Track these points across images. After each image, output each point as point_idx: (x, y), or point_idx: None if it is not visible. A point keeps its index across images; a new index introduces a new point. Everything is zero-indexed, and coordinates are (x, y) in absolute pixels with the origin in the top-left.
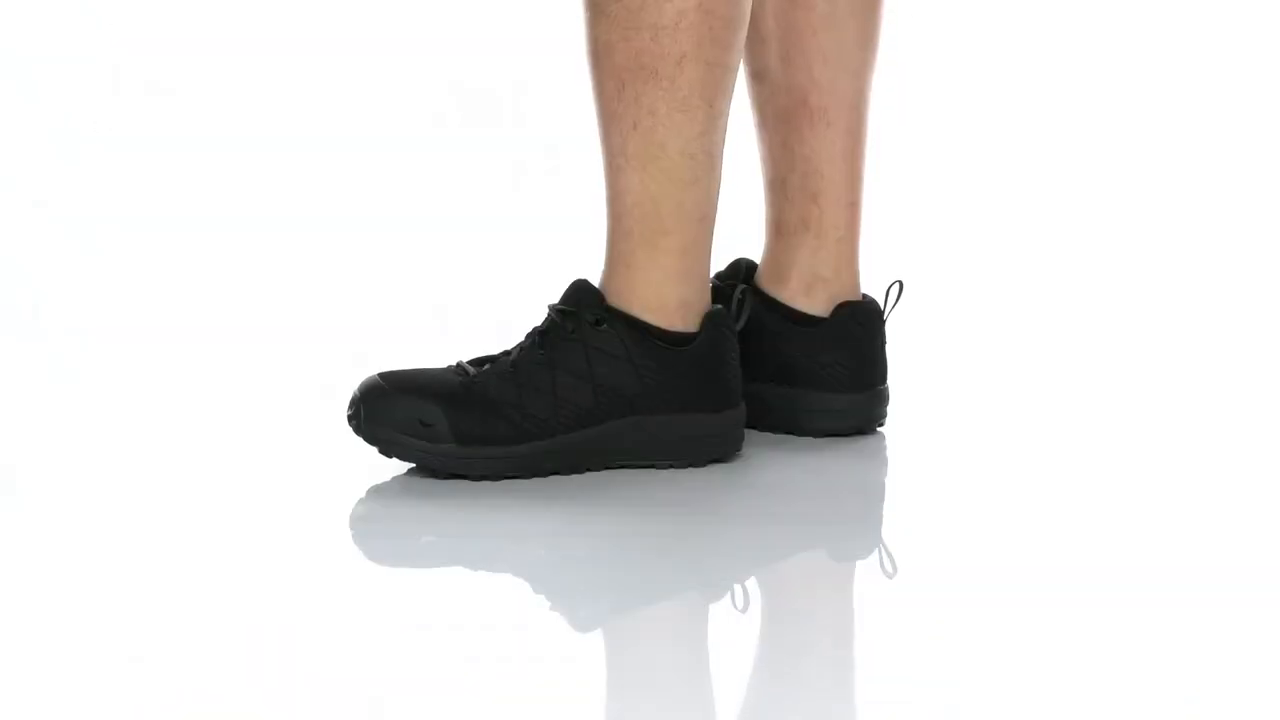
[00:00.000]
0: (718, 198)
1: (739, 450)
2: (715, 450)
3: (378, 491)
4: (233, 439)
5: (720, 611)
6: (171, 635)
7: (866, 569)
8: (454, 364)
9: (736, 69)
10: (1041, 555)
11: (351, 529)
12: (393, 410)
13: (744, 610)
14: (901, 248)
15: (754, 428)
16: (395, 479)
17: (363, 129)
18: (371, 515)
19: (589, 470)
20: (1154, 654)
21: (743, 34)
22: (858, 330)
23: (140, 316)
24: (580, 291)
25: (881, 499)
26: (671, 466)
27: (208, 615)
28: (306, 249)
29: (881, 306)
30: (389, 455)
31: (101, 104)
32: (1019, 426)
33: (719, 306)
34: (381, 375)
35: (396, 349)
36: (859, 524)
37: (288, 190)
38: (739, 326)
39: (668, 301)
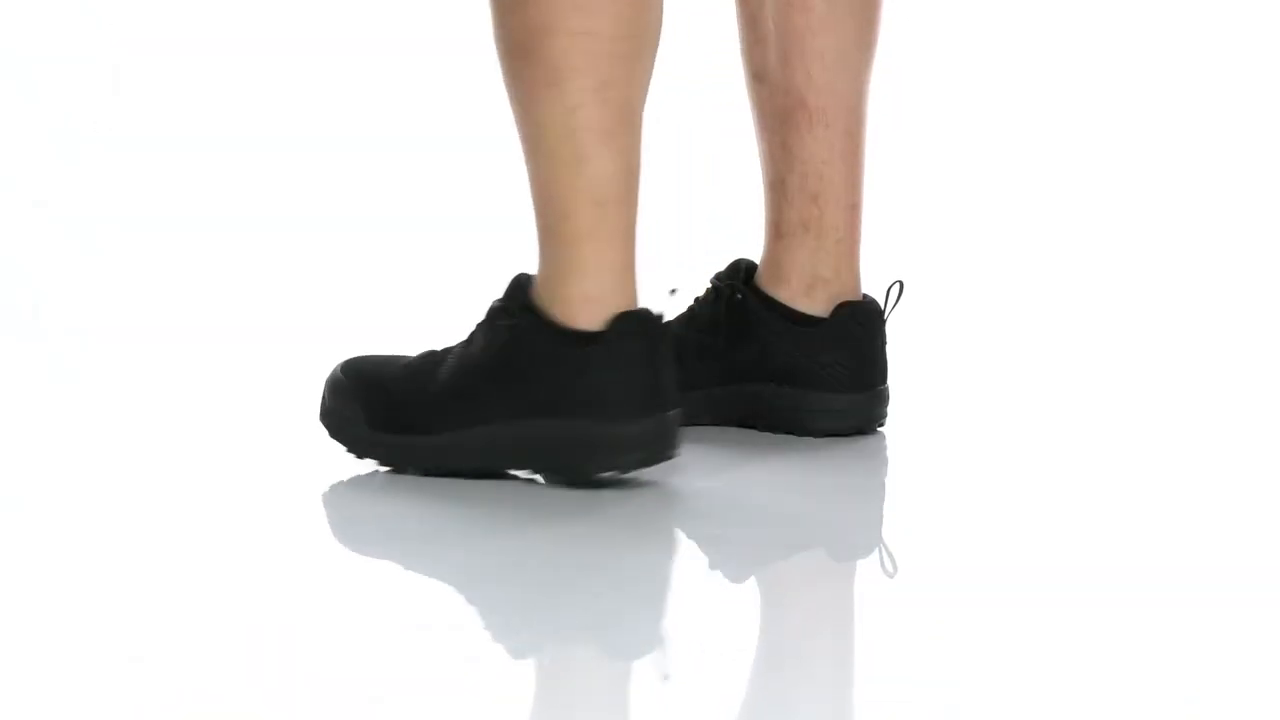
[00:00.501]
0: (626, 181)
1: (638, 465)
2: (605, 462)
3: (378, 489)
4: (232, 439)
5: (718, 612)
6: (170, 635)
7: (866, 569)
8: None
9: (624, 38)
10: (1041, 555)
11: (350, 529)
12: (333, 396)
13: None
14: (902, 247)
15: (754, 427)
16: (401, 477)
17: (364, 129)
18: (372, 514)
19: (495, 471)
20: (1153, 654)
21: (620, 3)
22: (858, 330)
23: (140, 316)
24: (513, 284)
25: (882, 499)
26: (560, 476)
27: (207, 615)
28: (307, 249)
29: (882, 306)
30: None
31: (101, 104)
32: (1019, 426)
33: (643, 308)
34: (342, 364)
35: (395, 349)
36: (859, 524)
37: (288, 190)
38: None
39: (570, 295)
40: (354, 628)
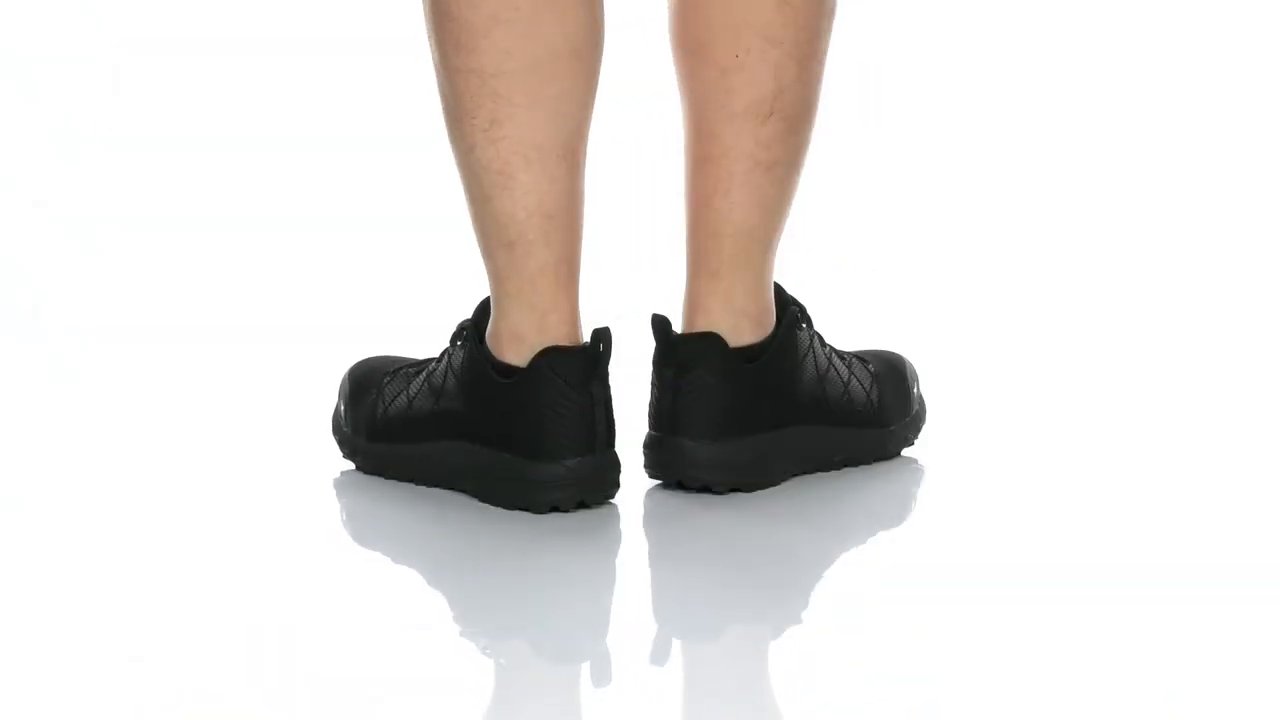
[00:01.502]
0: (539, 223)
1: (573, 504)
2: (521, 498)
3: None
4: (231, 439)
5: (717, 613)
6: (170, 635)
7: (862, 568)
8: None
9: (508, 74)
10: (1040, 555)
11: (349, 527)
12: (338, 395)
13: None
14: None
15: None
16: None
17: (365, 129)
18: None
19: (439, 486)
20: (1152, 654)
21: (498, 39)
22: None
23: (140, 316)
24: (479, 308)
25: (880, 502)
26: (497, 504)
27: (206, 615)
28: (307, 248)
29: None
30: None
31: (101, 104)
32: (1018, 425)
33: (567, 347)
34: (352, 364)
35: (398, 349)
36: (855, 525)
37: (287, 190)
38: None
39: (497, 330)
40: (354, 627)
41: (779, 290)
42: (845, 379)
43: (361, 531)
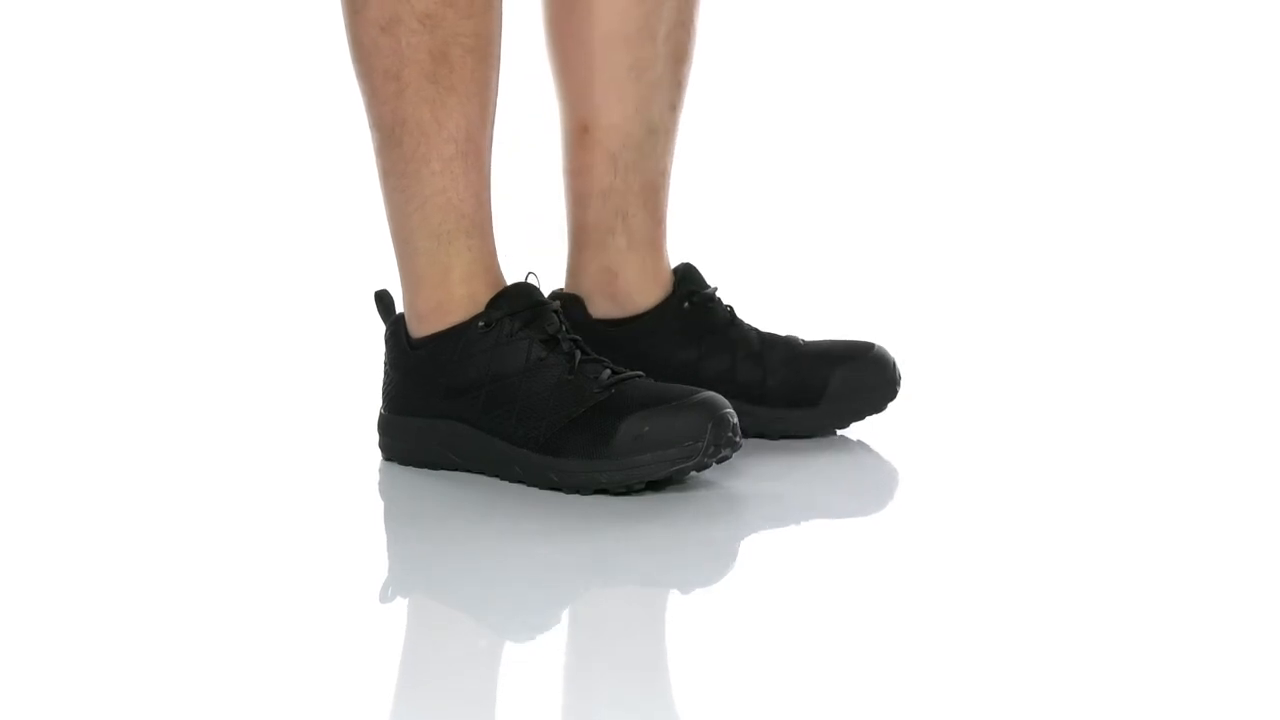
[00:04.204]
0: (403, 221)
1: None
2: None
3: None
4: (232, 438)
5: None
6: (170, 634)
7: (856, 566)
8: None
9: (381, 87)
10: (1039, 554)
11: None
12: None
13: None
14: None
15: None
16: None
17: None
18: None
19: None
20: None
21: (380, 60)
22: None
23: (140, 316)
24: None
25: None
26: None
27: (206, 614)
28: (307, 248)
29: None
30: None
31: (101, 104)
32: (1016, 425)
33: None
34: None
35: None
36: (849, 522)
37: (288, 190)
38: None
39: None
40: (353, 627)
41: None
42: None
43: (362, 530)
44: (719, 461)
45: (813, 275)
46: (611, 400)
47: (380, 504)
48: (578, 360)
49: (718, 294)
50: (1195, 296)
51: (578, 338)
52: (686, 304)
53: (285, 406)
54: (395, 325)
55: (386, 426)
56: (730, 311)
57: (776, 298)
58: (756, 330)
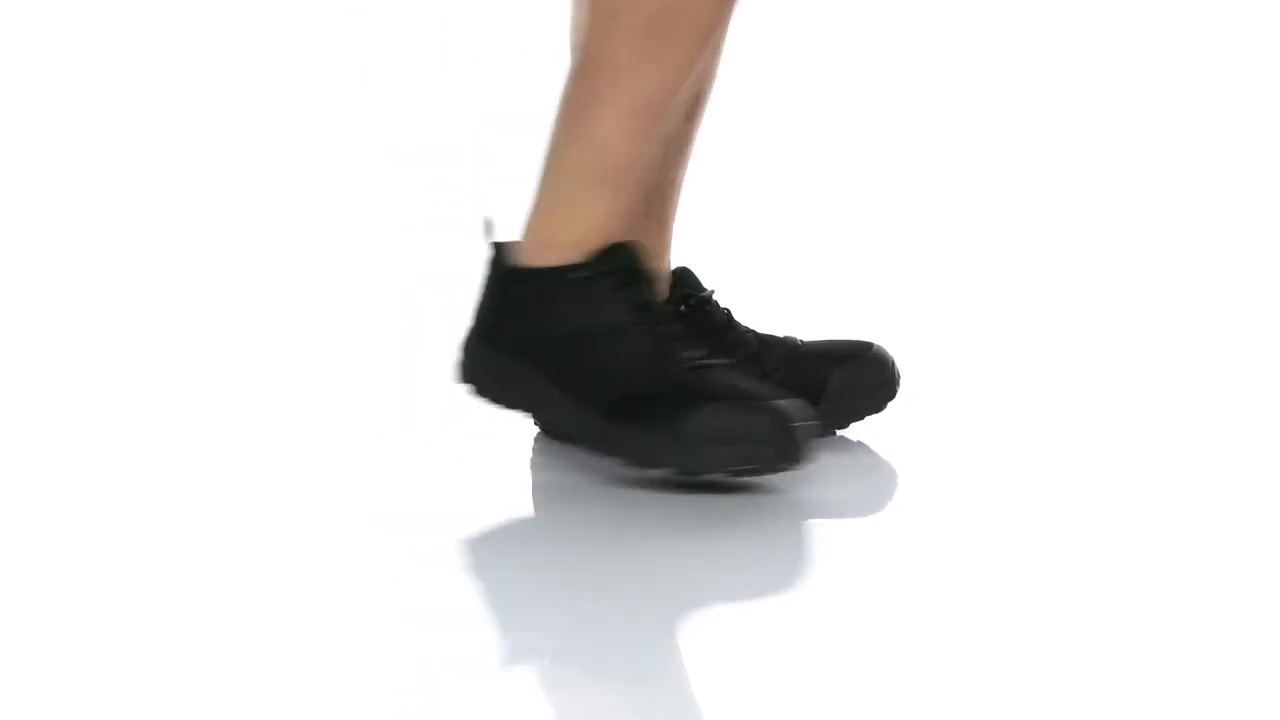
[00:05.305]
0: (563, 149)
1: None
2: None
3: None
4: (231, 439)
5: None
6: (170, 635)
7: (856, 566)
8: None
9: (596, 20)
10: (1039, 554)
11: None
12: None
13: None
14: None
15: None
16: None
17: (366, 128)
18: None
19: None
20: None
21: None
22: None
23: (140, 316)
24: None
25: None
26: None
27: (206, 614)
28: (307, 248)
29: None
30: None
31: (102, 104)
32: (1016, 425)
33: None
34: None
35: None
36: (848, 522)
37: (288, 190)
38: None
39: None
40: (355, 627)
41: None
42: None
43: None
44: (777, 472)
45: (811, 275)
46: (691, 383)
47: (379, 506)
48: (666, 335)
49: (714, 297)
50: (1195, 297)
51: (680, 312)
52: (683, 307)
53: (284, 407)
54: (497, 249)
55: (468, 347)
56: (727, 314)
57: (774, 298)
58: (754, 332)
